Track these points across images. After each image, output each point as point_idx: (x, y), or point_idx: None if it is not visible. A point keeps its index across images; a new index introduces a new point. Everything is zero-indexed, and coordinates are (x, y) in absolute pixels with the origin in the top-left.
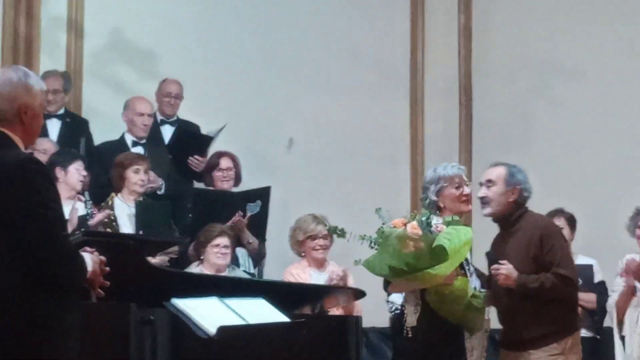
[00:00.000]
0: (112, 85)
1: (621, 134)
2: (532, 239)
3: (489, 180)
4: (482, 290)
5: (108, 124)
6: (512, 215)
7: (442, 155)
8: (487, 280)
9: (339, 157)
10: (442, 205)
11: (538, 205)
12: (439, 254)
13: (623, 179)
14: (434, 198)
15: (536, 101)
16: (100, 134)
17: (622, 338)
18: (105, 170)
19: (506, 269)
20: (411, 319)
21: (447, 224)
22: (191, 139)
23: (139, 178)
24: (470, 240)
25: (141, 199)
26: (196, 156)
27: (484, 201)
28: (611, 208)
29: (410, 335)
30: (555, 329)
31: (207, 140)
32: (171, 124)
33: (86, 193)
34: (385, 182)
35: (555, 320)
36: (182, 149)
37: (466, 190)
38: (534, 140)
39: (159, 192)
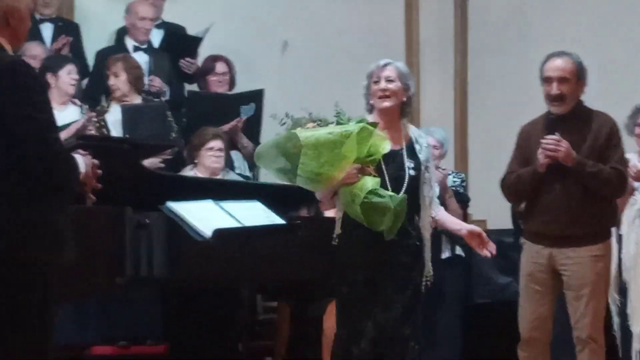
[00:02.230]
0: None
1: (618, 35)
2: (600, 132)
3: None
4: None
5: (100, 29)
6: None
7: (438, 57)
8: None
9: (333, 60)
10: (372, 103)
11: (538, 107)
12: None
13: (621, 78)
14: (367, 98)
15: (532, 2)
16: (92, 40)
17: (620, 237)
18: (105, 76)
19: (566, 144)
20: (337, 227)
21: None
22: (179, 41)
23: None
24: (364, 135)
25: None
26: (187, 58)
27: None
28: (610, 106)
29: (335, 243)
30: (600, 230)
31: (196, 41)
32: (157, 26)
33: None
34: None
35: (600, 221)
36: (171, 52)
37: (382, 85)
38: (531, 40)
39: (163, 98)
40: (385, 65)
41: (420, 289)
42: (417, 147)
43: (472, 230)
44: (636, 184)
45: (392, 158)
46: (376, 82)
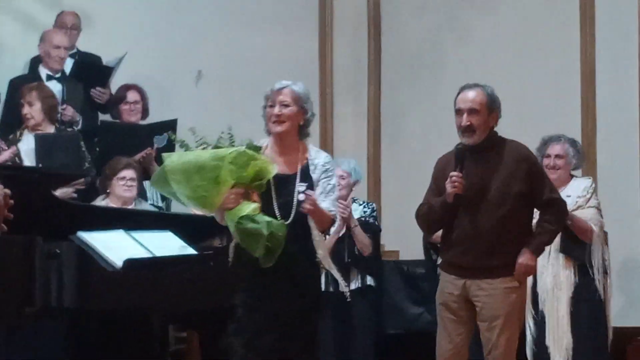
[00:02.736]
0: (18, 18)
1: (530, 68)
2: (516, 162)
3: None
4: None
5: (15, 57)
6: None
7: (351, 88)
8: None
9: (247, 90)
10: (268, 126)
11: (451, 139)
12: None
13: (531, 111)
14: (264, 121)
15: (446, 34)
16: (6, 68)
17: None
18: (19, 104)
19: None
20: (230, 252)
21: (250, 149)
22: (90, 70)
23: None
24: (243, 160)
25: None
26: (98, 88)
27: (470, 129)
28: (522, 139)
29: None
30: (513, 261)
31: (107, 70)
32: (71, 56)
33: None
34: None
35: (514, 252)
36: (82, 81)
37: (276, 110)
38: (445, 72)
39: (76, 128)
40: (282, 88)
41: (312, 316)
42: (312, 167)
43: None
44: None
45: (284, 183)
46: (271, 106)
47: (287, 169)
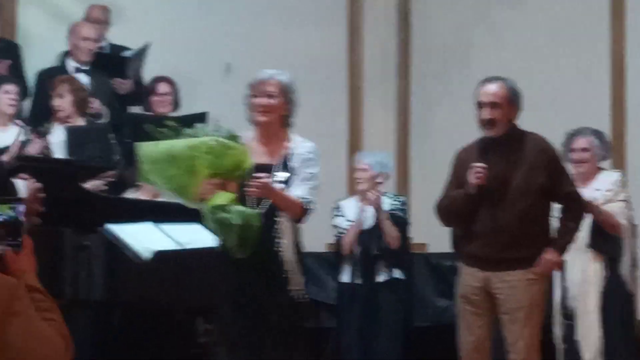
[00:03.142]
0: (47, 10)
1: (559, 61)
2: (536, 155)
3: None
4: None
5: (44, 50)
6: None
7: (380, 82)
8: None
9: None
10: (251, 115)
11: (478, 133)
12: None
13: (560, 105)
14: (248, 109)
15: (476, 28)
16: (36, 61)
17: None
18: (46, 96)
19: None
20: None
21: (229, 138)
22: (107, 60)
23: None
24: (221, 150)
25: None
26: (118, 79)
27: (491, 123)
28: (549, 133)
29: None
30: (535, 253)
31: (124, 60)
32: (101, 48)
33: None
34: (324, 109)
35: (535, 244)
36: (100, 72)
37: (261, 100)
38: (473, 67)
39: (100, 120)
40: (267, 79)
41: (288, 312)
42: (292, 156)
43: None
44: None
45: (264, 172)
46: (256, 96)
47: (269, 158)
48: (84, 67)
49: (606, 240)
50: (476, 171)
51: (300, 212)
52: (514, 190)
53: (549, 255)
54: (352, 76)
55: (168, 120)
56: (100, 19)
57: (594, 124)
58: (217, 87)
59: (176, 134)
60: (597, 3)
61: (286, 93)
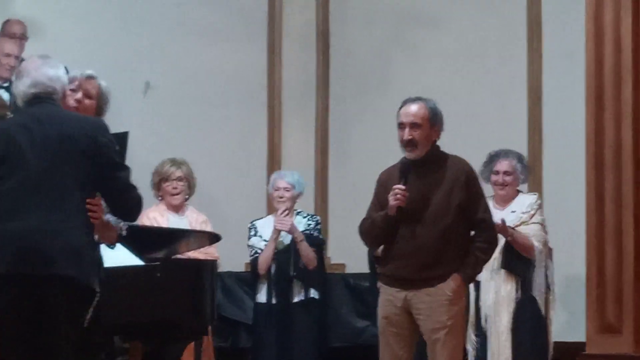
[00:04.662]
0: None
1: (477, 83)
2: (457, 178)
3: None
4: None
5: None
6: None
7: (299, 101)
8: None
9: (196, 102)
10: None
11: (398, 153)
12: None
13: (477, 126)
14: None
15: (394, 49)
16: None
17: (478, 284)
18: None
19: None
20: None
21: None
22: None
23: None
24: None
25: None
26: None
27: (412, 143)
28: (469, 154)
29: None
30: (452, 272)
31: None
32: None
33: None
34: (243, 127)
35: (452, 264)
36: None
37: (79, 96)
38: (392, 87)
39: None
40: (92, 78)
41: None
42: None
43: None
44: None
45: None
46: (74, 90)
47: None
48: (4, 84)
49: (519, 262)
50: (396, 193)
51: None
52: (434, 211)
53: (454, 282)
54: (271, 95)
55: None
56: (18, 34)
57: (512, 145)
58: (137, 105)
59: None
60: (514, 25)
61: (103, 101)
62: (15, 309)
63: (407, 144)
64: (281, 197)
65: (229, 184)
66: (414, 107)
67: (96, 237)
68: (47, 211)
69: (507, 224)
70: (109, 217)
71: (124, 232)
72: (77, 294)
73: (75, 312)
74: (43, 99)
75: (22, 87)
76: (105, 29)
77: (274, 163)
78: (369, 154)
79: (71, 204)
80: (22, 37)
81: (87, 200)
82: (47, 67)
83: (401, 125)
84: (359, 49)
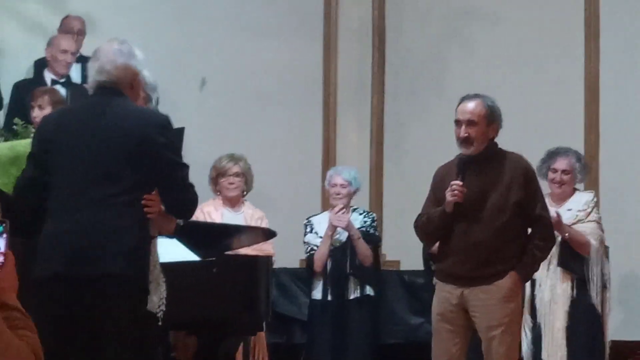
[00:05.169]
0: (22, 22)
1: (533, 80)
2: (514, 175)
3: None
4: None
5: (20, 61)
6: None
7: (354, 98)
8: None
9: (252, 98)
10: None
11: (454, 149)
12: None
13: (534, 123)
14: None
15: (450, 45)
16: (11, 72)
17: (533, 281)
18: (22, 108)
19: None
20: None
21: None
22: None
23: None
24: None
25: None
26: None
27: (468, 140)
28: (525, 151)
29: None
30: (509, 269)
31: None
32: (76, 61)
33: None
34: (298, 124)
35: (510, 261)
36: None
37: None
38: (448, 84)
39: None
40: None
41: None
42: None
43: None
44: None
45: None
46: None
47: None
48: (61, 80)
49: (575, 260)
50: (453, 189)
51: None
52: (491, 208)
53: (510, 280)
54: (326, 91)
55: None
56: (77, 30)
57: (568, 142)
58: (193, 101)
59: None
60: (572, 21)
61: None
62: (69, 309)
63: (463, 142)
64: (338, 194)
65: (284, 180)
66: (471, 105)
67: (156, 232)
68: (100, 208)
69: (564, 222)
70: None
71: (182, 222)
72: (131, 292)
73: (129, 310)
74: (108, 88)
75: (92, 71)
76: (161, 25)
77: (329, 159)
78: (424, 151)
79: (125, 200)
80: (80, 33)
81: (144, 196)
82: (118, 54)
83: (458, 123)
84: (414, 46)
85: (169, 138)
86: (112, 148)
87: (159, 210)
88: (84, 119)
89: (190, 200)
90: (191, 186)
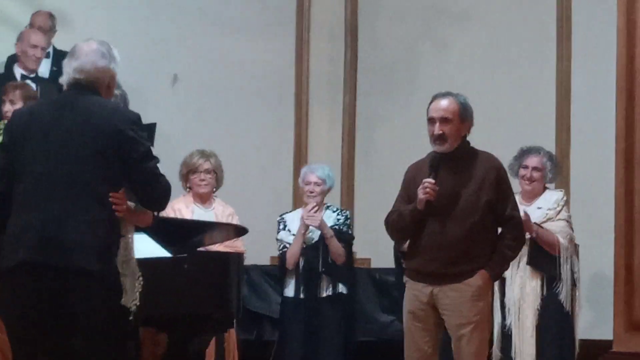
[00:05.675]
0: None
1: (506, 78)
2: (486, 174)
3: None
4: None
5: None
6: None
7: (326, 95)
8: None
9: (223, 95)
10: None
11: (425, 147)
12: None
13: (505, 122)
14: None
15: (422, 44)
16: None
17: (503, 280)
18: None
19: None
20: None
21: None
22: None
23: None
24: None
25: None
26: None
27: (442, 138)
28: (497, 150)
29: None
30: (478, 268)
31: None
32: (46, 56)
33: None
34: (270, 121)
35: (479, 260)
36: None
37: None
38: (420, 83)
39: None
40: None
41: None
42: None
43: None
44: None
45: None
46: None
47: None
48: (30, 75)
49: (545, 259)
50: (425, 187)
51: None
52: (462, 207)
53: (480, 278)
54: (298, 89)
55: None
56: (46, 25)
57: (540, 141)
58: (165, 98)
59: None
60: (544, 20)
61: None
62: (35, 298)
63: (437, 139)
64: (311, 192)
65: (255, 176)
66: (444, 102)
67: (132, 228)
68: (69, 203)
69: (533, 220)
70: (131, 204)
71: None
72: (100, 288)
73: (98, 305)
74: (84, 86)
75: (69, 68)
76: (133, 22)
77: (300, 157)
78: (396, 149)
79: (94, 196)
80: (50, 29)
81: (110, 194)
82: (99, 55)
83: (431, 120)
84: (387, 44)
85: (138, 133)
86: (83, 142)
87: (127, 208)
88: (56, 113)
89: (161, 190)
90: (162, 176)
